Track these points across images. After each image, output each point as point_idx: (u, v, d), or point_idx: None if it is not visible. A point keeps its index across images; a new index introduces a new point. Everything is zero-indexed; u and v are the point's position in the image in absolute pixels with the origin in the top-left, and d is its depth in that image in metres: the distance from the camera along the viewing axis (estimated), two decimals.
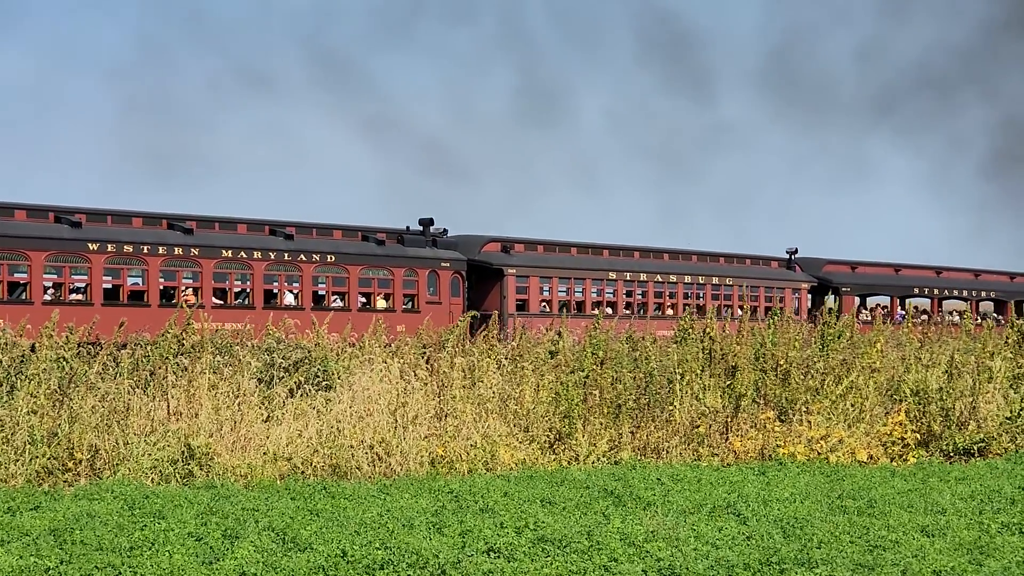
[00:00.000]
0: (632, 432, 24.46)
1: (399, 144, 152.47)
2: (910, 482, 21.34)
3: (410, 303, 49.15)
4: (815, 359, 27.18)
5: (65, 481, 20.09)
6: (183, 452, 20.83)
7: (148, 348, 24.70)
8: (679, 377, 25.71)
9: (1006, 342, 31.12)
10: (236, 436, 21.80)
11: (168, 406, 22.27)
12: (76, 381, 21.84)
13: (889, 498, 19.40)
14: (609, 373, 24.96)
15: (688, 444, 24.44)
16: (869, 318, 54.92)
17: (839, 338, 28.97)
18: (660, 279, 57.06)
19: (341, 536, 15.65)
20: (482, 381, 24.60)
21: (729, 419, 25.13)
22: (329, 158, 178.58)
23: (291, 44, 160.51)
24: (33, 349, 23.14)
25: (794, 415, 25.41)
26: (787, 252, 63.80)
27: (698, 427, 24.69)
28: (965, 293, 70.39)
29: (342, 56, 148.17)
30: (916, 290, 68.34)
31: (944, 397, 26.00)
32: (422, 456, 22.06)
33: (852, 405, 26.03)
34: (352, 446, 21.82)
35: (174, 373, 23.22)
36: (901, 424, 25.20)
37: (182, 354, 24.56)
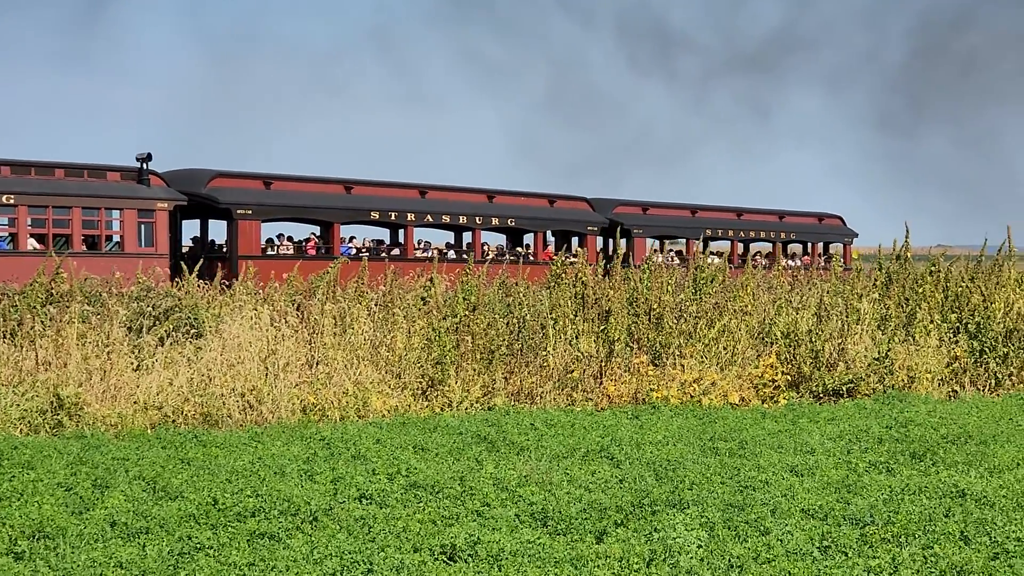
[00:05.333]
0: (505, 378, 24.47)
1: None
2: (780, 423, 21.59)
3: None
4: (688, 303, 27.35)
5: None
6: (52, 402, 20.55)
7: (15, 297, 24.29)
8: (552, 322, 25.75)
9: (874, 284, 31.50)
10: (106, 386, 21.53)
11: (36, 356, 21.92)
12: None
13: (760, 439, 19.62)
14: (482, 319, 24.92)
15: (562, 389, 24.50)
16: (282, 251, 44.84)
17: (711, 282, 29.20)
18: None
19: (212, 484, 15.54)
20: (353, 328, 24.48)
21: (603, 364, 25.23)
22: None
23: None
24: None
25: (667, 359, 25.57)
26: (137, 159, 43.18)
27: (572, 372, 24.77)
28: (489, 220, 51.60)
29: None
30: (412, 216, 49.05)
31: (813, 339, 26.29)
32: (293, 404, 21.95)
33: (724, 348, 26.25)
34: (223, 394, 21.66)
35: (42, 323, 22.86)
36: (772, 366, 25.48)
37: (50, 303, 24.19)
